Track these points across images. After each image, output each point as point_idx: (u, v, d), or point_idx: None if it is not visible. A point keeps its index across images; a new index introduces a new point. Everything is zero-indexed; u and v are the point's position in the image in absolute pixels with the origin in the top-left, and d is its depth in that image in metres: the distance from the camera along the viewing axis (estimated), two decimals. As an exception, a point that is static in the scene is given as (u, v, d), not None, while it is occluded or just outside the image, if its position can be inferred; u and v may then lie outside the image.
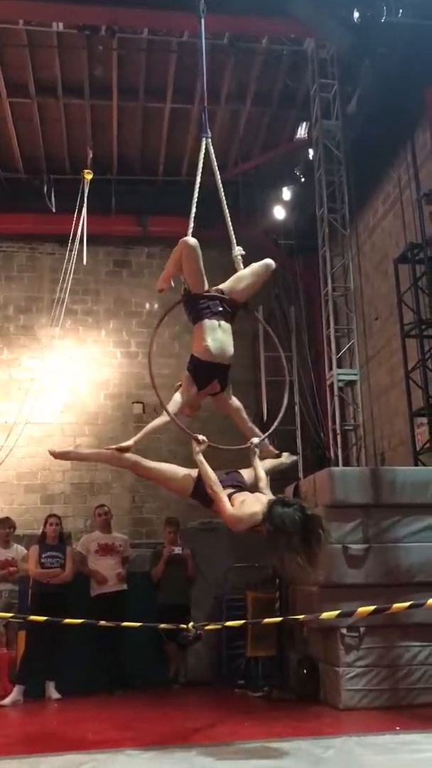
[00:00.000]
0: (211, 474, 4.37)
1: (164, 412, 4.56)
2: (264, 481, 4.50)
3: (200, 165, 5.13)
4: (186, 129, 11.69)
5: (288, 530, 3.88)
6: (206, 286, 4.64)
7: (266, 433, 4.72)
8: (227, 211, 5.11)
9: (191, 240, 4.56)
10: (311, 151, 11.04)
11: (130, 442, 4.58)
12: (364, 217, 11.12)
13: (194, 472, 4.50)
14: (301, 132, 11.52)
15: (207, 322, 4.56)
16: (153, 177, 12.63)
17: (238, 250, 4.99)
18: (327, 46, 10.44)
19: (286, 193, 11.92)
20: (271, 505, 4.03)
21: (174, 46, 10.32)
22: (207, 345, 4.53)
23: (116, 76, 10.65)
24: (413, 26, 8.57)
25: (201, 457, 4.45)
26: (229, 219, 5.11)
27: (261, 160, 12.24)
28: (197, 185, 5.01)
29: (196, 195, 4.98)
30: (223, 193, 5.14)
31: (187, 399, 4.59)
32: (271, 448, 4.88)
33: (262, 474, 4.54)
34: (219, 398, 4.71)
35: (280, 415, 4.80)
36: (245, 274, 4.78)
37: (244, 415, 4.76)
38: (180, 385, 4.63)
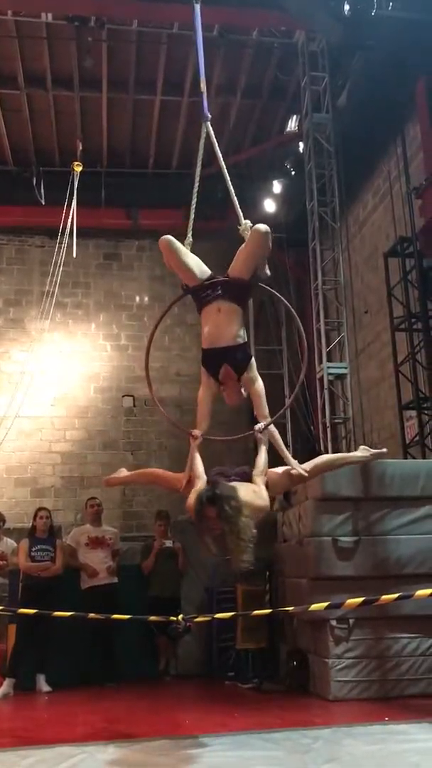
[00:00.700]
0: (195, 465, 4.32)
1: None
2: (259, 470, 4.37)
3: (200, 151, 4.95)
4: (176, 121, 11.66)
5: (196, 512, 3.83)
6: (202, 275, 4.45)
7: (270, 420, 4.58)
8: (232, 189, 4.90)
9: (164, 238, 4.37)
10: (301, 144, 11.04)
11: (187, 472, 4.40)
12: (354, 211, 11.13)
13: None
14: (292, 125, 11.52)
15: (205, 310, 4.43)
16: (143, 170, 12.59)
17: (245, 225, 4.63)
18: (317, 39, 10.44)
19: (277, 186, 11.91)
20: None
21: (164, 38, 10.28)
22: (203, 332, 4.41)
23: (106, 68, 10.60)
24: (403, 19, 8.58)
25: (195, 452, 4.37)
26: (233, 194, 4.92)
27: (251, 152, 12.22)
28: (198, 173, 4.83)
29: (196, 184, 4.79)
30: (226, 172, 4.91)
31: (212, 393, 4.44)
32: (295, 465, 4.49)
33: (259, 462, 4.42)
34: (244, 382, 4.47)
35: (296, 394, 4.73)
36: (241, 248, 4.53)
37: (261, 401, 4.51)
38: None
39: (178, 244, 4.40)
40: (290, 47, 10.72)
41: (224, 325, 4.38)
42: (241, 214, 4.74)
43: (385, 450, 4.95)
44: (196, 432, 4.40)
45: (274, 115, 11.88)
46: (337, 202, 10.33)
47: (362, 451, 4.70)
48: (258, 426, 4.48)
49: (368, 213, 10.80)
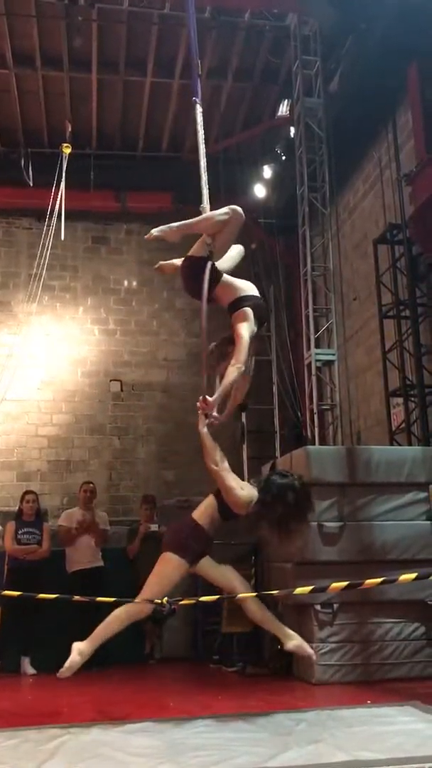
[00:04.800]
0: (214, 447, 4.24)
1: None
2: (226, 464, 4.35)
3: (200, 134, 4.93)
4: (166, 104, 11.55)
5: (285, 499, 4.09)
6: None
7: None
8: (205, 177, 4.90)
9: (242, 211, 4.42)
10: (292, 129, 10.97)
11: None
12: (344, 197, 11.10)
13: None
14: (283, 109, 11.44)
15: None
16: (132, 152, 12.49)
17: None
18: (310, 22, 10.35)
19: (267, 171, 11.85)
20: (269, 477, 4.24)
21: (155, 18, 10.16)
22: (240, 286, 4.48)
23: (96, 48, 10.47)
24: (397, 4, 8.50)
25: (206, 430, 4.26)
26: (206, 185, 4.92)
27: (242, 137, 12.14)
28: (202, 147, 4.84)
29: (203, 160, 4.76)
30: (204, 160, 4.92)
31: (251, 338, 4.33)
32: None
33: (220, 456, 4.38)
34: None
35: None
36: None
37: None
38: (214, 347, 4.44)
39: None
40: (282, 30, 10.63)
41: None
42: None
43: None
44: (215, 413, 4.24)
45: (266, 99, 11.80)
46: (327, 187, 10.29)
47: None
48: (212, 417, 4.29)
49: (358, 199, 10.78)
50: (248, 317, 4.31)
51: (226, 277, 4.48)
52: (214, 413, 4.25)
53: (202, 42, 10.37)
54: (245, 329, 4.27)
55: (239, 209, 4.41)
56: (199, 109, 4.97)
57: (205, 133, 5.11)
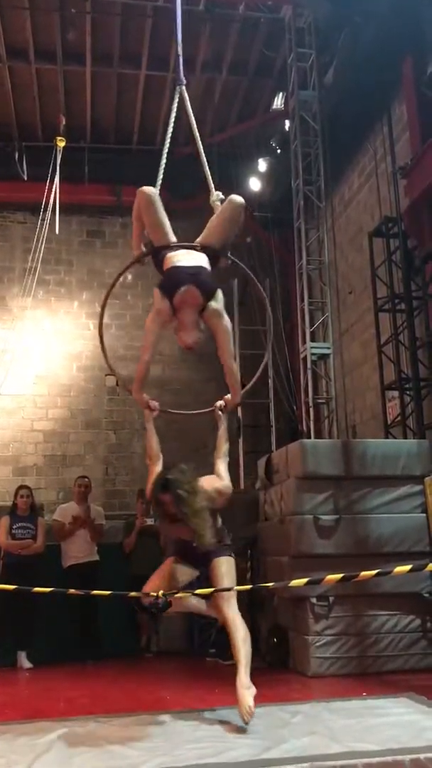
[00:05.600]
0: (153, 444, 4.34)
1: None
2: (221, 451, 4.41)
3: (173, 114, 4.89)
4: (161, 97, 11.50)
5: (152, 497, 4.04)
6: (170, 237, 4.26)
7: (238, 396, 4.50)
8: (203, 153, 4.85)
9: (147, 188, 4.16)
10: (287, 122, 10.94)
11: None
12: (339, 190, 11.08)
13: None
14: (278, 102, 11.41)
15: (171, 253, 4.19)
16: (127, 146, 12.45)
17: (216, 195, 4.58)
18: (304, 14, 10.31)
19: (262, 165, 11.82)
20: None
21: (149, 11, 10.10)
22: (167, 260, 4.12)
23: (90, 41, 10.42)
24: (392, -4, 8.50)
25: (151, 425, 4.39)
26: (205, 161, 4.85)
27: (237, 130, 12.10)
28: (169, 132, 4.84)
29: (167, 142, 4.76)
30: (198, 137, 4.92)
31: (161, 322, 4.07)
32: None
33: (220, 444, 4.49)
34: (208, 316, 4.04)
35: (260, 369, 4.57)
36: (213, 218, 4.40)
37: (228, 346, 4.16)
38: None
39: (158, 198, 4.23)
40: (277, 23, 10.58)
41: (195, 254, 4.16)
42: (212, 185, 4.71)
43: None
44: (154, 403, 4.36)
45: (260, 93, 11.76)
46: (322, 181, 10.27)
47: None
48: (220, 403, 4.45)
49: (354, 192, 10.76)
50: (155, 300, 4.10)
51: (169, 254, 4.20)
52: (153, 403, 4.40)
53: (196, 35, 10.38)
54: (150, 314, 4.12)
55: (141, 189, 4.21)
56: (178, 90, 4.94)
57: (199, 127, 5.13)
